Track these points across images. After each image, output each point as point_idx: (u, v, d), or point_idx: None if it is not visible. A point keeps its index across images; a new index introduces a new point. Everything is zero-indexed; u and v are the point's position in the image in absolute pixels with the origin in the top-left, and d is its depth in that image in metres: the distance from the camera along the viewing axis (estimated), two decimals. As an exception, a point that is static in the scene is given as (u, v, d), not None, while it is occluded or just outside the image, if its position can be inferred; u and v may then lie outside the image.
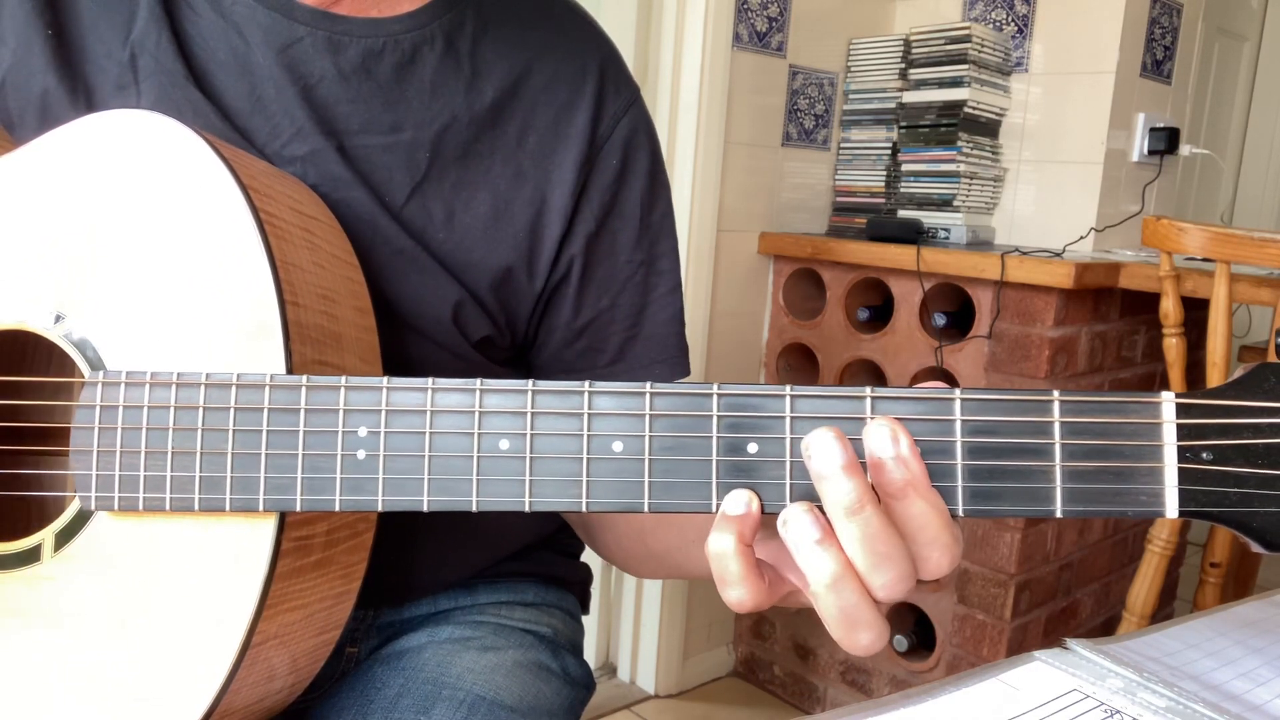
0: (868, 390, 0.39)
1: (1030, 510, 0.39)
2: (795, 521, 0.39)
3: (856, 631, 0.39)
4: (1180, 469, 0.38)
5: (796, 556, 0.39)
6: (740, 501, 0.40)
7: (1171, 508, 0.38)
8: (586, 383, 0.41)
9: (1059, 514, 0.39)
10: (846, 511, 0.38)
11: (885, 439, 0.38)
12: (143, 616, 0.47)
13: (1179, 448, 0.38)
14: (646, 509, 0.40)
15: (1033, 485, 0.39)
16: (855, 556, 0.39)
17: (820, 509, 0.39)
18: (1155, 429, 0.38)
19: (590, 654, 2.07)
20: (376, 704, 0.63)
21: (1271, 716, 0.46)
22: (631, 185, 0.69)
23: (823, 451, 0.39)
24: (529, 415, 0.41)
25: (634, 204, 0.69)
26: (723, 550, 0.40)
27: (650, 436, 0.40)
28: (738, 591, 0.40)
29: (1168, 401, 0.38)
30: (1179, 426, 0.38)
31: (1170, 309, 1.47)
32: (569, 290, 0.67)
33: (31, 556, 0.48)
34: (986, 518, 0.42)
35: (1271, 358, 0.40)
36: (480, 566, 0.74)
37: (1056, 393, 0.39)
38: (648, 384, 0.41)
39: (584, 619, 0.83)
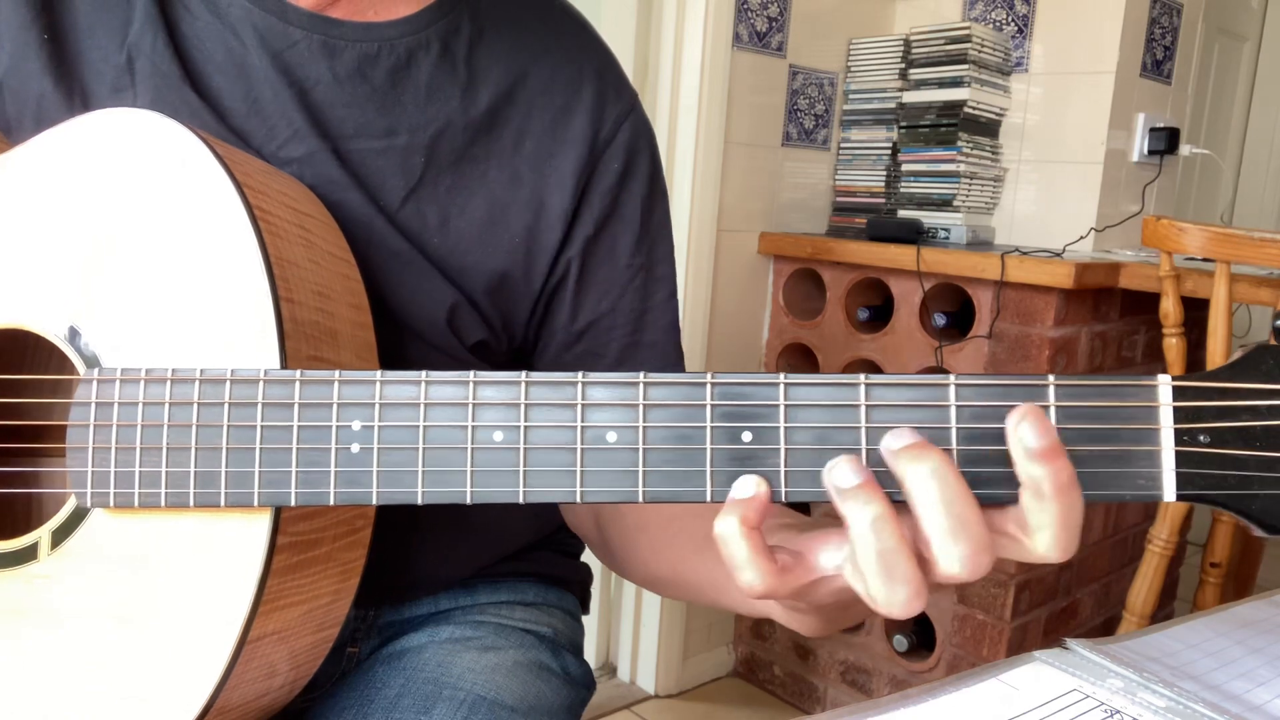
0: (861, 378, 0.39)
1: None
2: (839, 466, 0.38)
3: (894, 584, 0.38)
4: (1178, 452, 0.38)
5: (837, 501, 0.39)
6: (748, 485, 0.39)
7: (1169, 491, 0.38)
8: (580, 373, 0.41)
9: None
10: (929, 473, 0.37)
11: (1035, 432, 0.37)
12: (139, 613, 0.47)
13: (1176, 431, 0.38)
14: (641, 499, 0.40)
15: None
16: (933, 522, 0.37)
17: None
18: (1152, 412, 0.38)
19: (590, 654, 2.07)
20: (377, 704, 0.63)
21: (1271, 716, 0.46)
22: (632, 189, 0.69)
23: (890, 436, 0.39)
24: (522, 406, 0.41)
25: (634, 208, 0.69)
26: (726, 532, 0.39)
27: (644, 427, 0.40)
28: (748, 574, 0.40)
29: (1164, 384, 0.38)
30: (1176, 409, 0.38)
31: (1170, 309, 1.47)
32: (566, 293, 0.67)
33: (28, 554, 0.48)
34: (982, 503, 0.42)
35: (1271, 341, 0.40)
36: (480, 565, 0.74)
37: (1052, 377, 0.39)
38: (641, 374, 0.41)
39: (584, 619, 0.83)
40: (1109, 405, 0.38)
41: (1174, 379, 0.38)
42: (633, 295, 0.69)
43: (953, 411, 0.39)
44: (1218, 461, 0.37)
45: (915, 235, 1.84)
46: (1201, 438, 0.38)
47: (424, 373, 0.42)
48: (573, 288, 0.67)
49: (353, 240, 0.59)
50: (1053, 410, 0.38)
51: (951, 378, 0.39)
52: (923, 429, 0.39)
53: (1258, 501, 0.37)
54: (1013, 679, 0.47)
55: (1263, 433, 0.37)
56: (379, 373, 0.42)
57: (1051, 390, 0.38)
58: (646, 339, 0.70)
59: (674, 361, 0.71)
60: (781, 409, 0.40)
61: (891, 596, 0.38)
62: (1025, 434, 0.37)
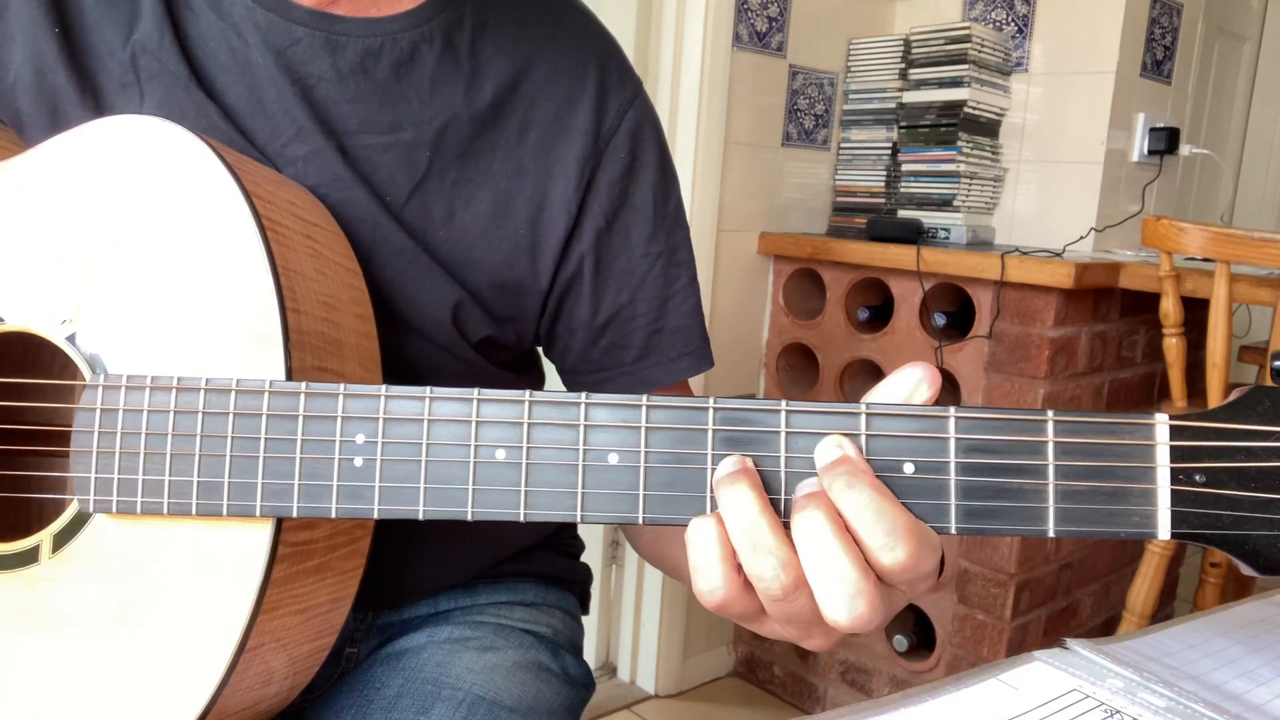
0: (863, 406, 0.40)
1: (1023, 530, 0.39)
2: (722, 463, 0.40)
3: (759, 556, 0.39)
4: (1173, 491, 0.38)
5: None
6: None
7: (1164, 529, 0.38)
8: (583, 394, 0.41)
9: (1051, 534, 0.39)
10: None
11: (828, 446, 0.39)
12: (138, 618, 0.47)
13: (1172, 470, 0.38)
14: (641, 521, 0.41)
15: (1026, 505, 0.39)
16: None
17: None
18: (1149, 450, 0.38)
19: (590, 654, 2.07)
20: (376, 704, 0.63)
21: (1271, 716, 0.46)
22: (642, 178, 0.68)
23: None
24: (525, 426, 0.41)
25: (646, 196, 0.68)
26: (700, 537, 0.40)
27: (646, 450, 0.41)
28: (708, 582, 0.41)
29: (1161, 423, 0.38)
30: (1172, 448, 0.38)
31: (1170, 309, 1.47)
32: (583, 288, 0.67)
33: (30, 557, 0.49)
34: (979, 536, 0.42)
35: (1268, 381, 0.40)
36: (479, 568, 0.74)
37: (1050, 413, 0.39)
38: (644, 396, 0.41)
39: (584, 619, 0.83)
40: (1106, 442, 0.38)
41: (1171, 418, 0.38)
42: (653, 284, 0.68)
43: (951, 444, 0.39)
44: (1213, 501, 0.38)
45: (915, 235, 1.84)
46: (1197, 477, 0.38)
47: (428, 389, 0.42)
48: (590, 282, 0.67)
49: (357, 238, 0.59)
50: (1050, 446, 0.39)
51: (952, 410, 0.39)
52: (922, 461, 0.39)
53: (1250, 542, 0.38)
54: (1013, 679, 0.47)
55: (1257, 474, 0.38)
56: (383, 387, 0.43)
57: (1050, 425, 0.39)
58: (670, 325, 0.69)
59: (698, 346, 0.70)
60: (783, 436, 0.40)
61: (759, 570, 0.39)
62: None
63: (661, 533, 0.67)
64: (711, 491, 0.40)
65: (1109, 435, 0.38)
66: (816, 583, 0.38)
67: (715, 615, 2.17)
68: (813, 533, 0.38)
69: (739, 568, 0.40)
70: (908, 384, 0.41)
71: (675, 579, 0.72)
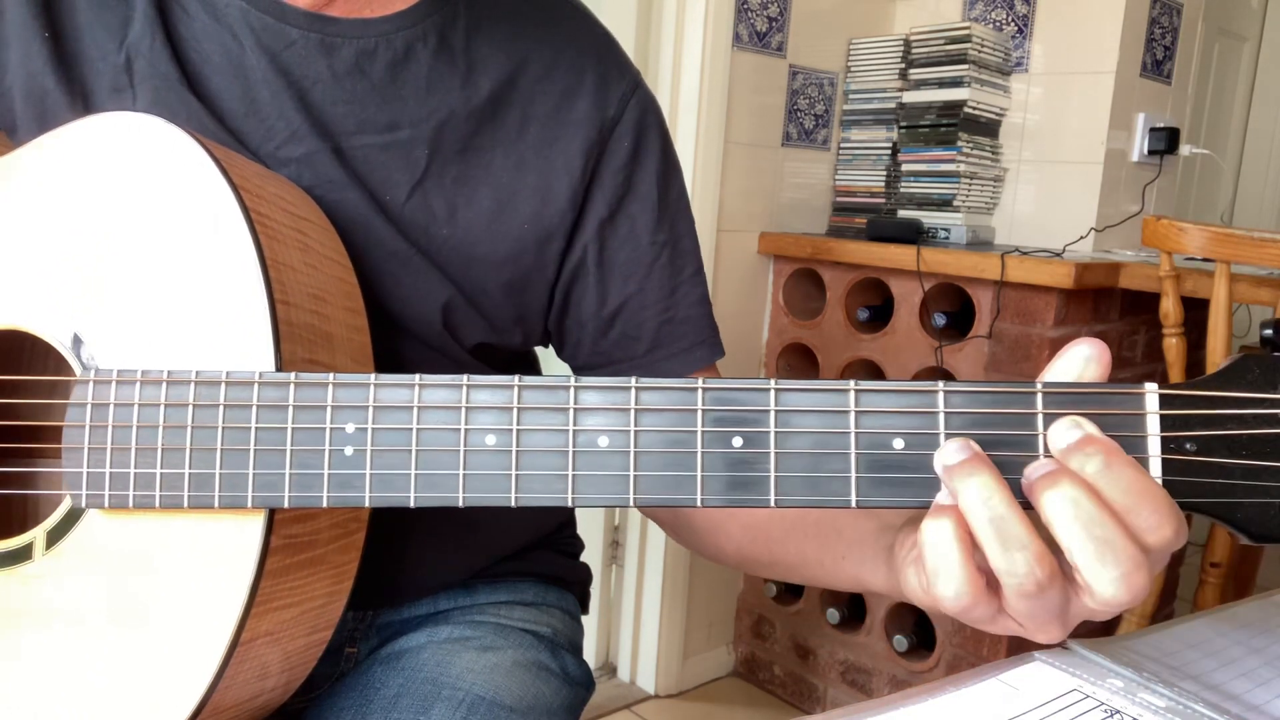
0: (851, 384, 0.39)
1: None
2: (946, 446, 0.38)
3: (1010, 552, 0.37)
4: (1164, 460, 0.38)
5: (946, 480, 0.38)
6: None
7: None
8: (571, 377, 0.41)
9: None
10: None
11: (1067, 426, 0.37)
12: (133, 613, 0.47)
13: (1162, 438, 0.38)
14: (632, 503, 0.40)
15: (1018, 477, 0.38)
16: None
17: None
18: (1139, 420, 0.38)
19: (590, 654, 2.07)
20: (376, 704, 0.63)
21: (1271, 716, 0.46)
22: (646, 166, 0.68)
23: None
24: (515, 410, 0.41)
25: (650, 185, 0.68)
26: (937, 538, 0.38)
27: (635, 431, 0.40)
28: (953, 586, 0.38)
29: (1151, 393, 0.38)
30: (1163, 417, 0.38)
31: (1170, 309, 1.47)
32: (589, 278, 0.67)
33: (23, 555, 0.48)
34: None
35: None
36: (479, 567, 0.74)
37: (1040, 384, 0.39)
38: (633, 378, 0.41)
39: (584, 619, 0.83)
40: (1096, 413, 0.38)
41: (1161, 387, 0.38)
42: (660, 273, 0.68)
43: (941, 418, 0.39)
44: (1203, 470, 0.38)
45: (915, 235, 1.84)
46: (1188, 446, 0.38)
47: (417, 376, 0.42)
48: (594, 272, 0.67)
49: (350, 240, 0.58)
50: (1040, 418, 0.38)
51: (940, 385, 0.39)
52: (912, 435, 0.39)
53: (1242, 510, 0.38)
54: (1013, 679, 0.47)
55: (1248, 441, 0.37)
56: (373, 375, 0.43)
57: (1039, 398, 0.39)
58: (680, 315, 0.69)
59: (709, 336, 0.70)
60: (772, 414, 0.40)
61: (1011, 566, 0.37)
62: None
63: (719, 522, 0.65)
64: (701, 471, 0.40)
65: (1099, 405, 0.38)
66: (1086, 564, 0.36)
67: (715, 615, 2.17)
68: (1078, 514, 0.36)
69: (982, 567, 0.38)
70: (1076, 362, 0.39)
71: (746, 571, 0.70)
